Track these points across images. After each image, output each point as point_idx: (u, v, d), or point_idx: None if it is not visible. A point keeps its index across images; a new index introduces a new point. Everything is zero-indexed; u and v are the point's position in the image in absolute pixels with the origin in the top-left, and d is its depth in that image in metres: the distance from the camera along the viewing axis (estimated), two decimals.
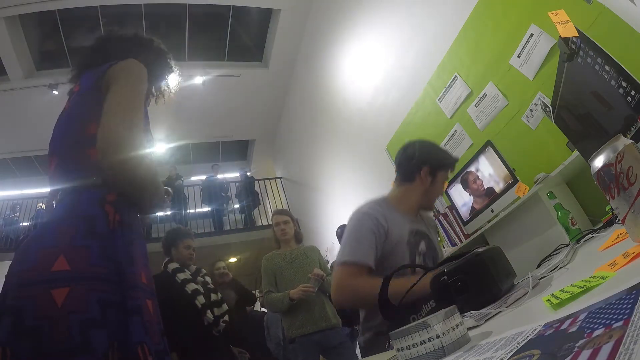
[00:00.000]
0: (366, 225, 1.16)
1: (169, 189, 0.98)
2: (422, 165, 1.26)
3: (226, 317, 2.26)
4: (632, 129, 1.16)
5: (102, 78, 0.86)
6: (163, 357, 0.74)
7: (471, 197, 2.20)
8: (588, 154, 0.62)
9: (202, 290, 2.22)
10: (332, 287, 1.15)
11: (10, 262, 0.71)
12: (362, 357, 1.16)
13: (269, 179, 7.79)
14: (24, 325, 0.60)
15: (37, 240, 0.70)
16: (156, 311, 0.78)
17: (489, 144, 2.08)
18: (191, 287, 2.19)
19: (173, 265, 2.26)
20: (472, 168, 2.18)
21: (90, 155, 0.78)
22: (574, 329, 0.30)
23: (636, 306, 0.27)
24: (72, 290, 0.64)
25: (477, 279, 0.71)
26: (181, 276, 2.21)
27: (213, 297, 2.28)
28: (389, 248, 1.16)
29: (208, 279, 2.37)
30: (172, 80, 1.16)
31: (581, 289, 0.42)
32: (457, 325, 0.46)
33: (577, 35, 1.31)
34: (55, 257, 0.66)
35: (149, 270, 0.82)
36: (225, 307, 2.31)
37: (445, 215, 2.53)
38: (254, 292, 3.84)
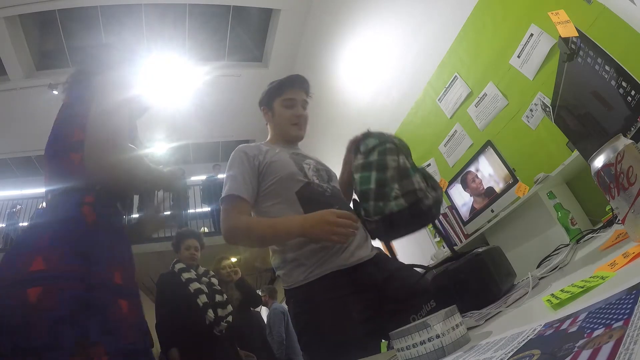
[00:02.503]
0: (234, 162, 1.18)
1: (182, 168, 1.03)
2: (260, 108, 1.37)
3: (229, 318, 2.30)
4: (632, 129, 1.16)
5: (86, 90, 0.91)
6: (139, 357, 0.75)
7: (471, 197, 2.20)
8: (588, 154, 0.62)
9: (205, 290, 2.27)
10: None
11: None
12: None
13: None
14: (3, 324, 0.64)
15: (20, 244, 0.75)
16: (135, 311, 0.78)
17: (489, 144, 2.08)
18: (194, 286, 2.25)
19: (179, 265, 2.34)
20: (472, 168, 2.18)
21: (74, 160, 0.83)
22: (574, 329, 0.30)
23: (636, 306, 0.27)
24: (45, 288, 0.67)
25: (477, 279, 0.71)
26: (186, 275, 2.28)
27: (218, 298, 2.32)
28: (269, 160, 1.17)
29: (214, 280, 2.43)
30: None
31: (581, 289, 0.42)
32: (457, 325, 0.46)
33: (577, 35, 1.31)
34: (33, 258, 0.69)
35: (128, 270, 0.82)
36: (230, 308, 2.35)
37: (445, 215, 2.53)
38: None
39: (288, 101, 1.30)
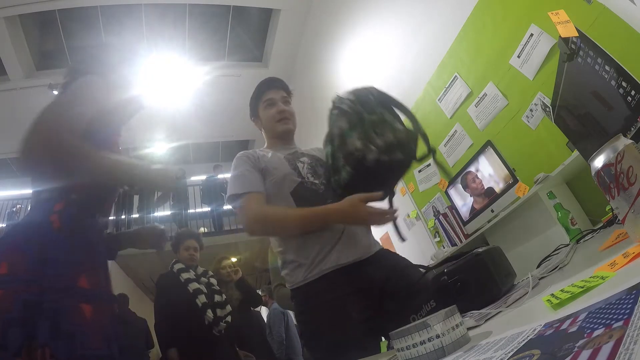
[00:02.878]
0: (239, 163, 1.20)
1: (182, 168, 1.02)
2: (252, 120, 1.41)
3: (228, 318, 2.31)
4: (632, 129, 1.16)
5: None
6: None
7: (471, 197, 2.20)
8: (588, 154, 0.62)
9: (204, 290, 2.28)
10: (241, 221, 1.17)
11: None
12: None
13: None
14: None
15: None
16: (102, 316, 0.78)
17: (489, 144, 2.08)
18: (193, 286, 2.25)
19: (178, 266, 2.35)
20: (472, 168, 2.18)
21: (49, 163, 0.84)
22: (574, 329, 0.30)
23: (636, 306, 0.27)
24: (5, 292, 0.69)
25: (477, 279, 0.71)
26: (185, 276, 2.29)
27: (217, 298, 2.33)
28: (265, 164, 1.20)
29: (213, 280, 2.43)
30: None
31: (581, 289, 0.42)
32: (457, 325, 0.46)
33: (577, 35, 1.31)
34: (0, 261, 0.72)
35: (99, 275, 0.83)
36: (229, 308, 2.36)
37: (445, 215, 2.53)
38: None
39: (268, 101, 1.33)
